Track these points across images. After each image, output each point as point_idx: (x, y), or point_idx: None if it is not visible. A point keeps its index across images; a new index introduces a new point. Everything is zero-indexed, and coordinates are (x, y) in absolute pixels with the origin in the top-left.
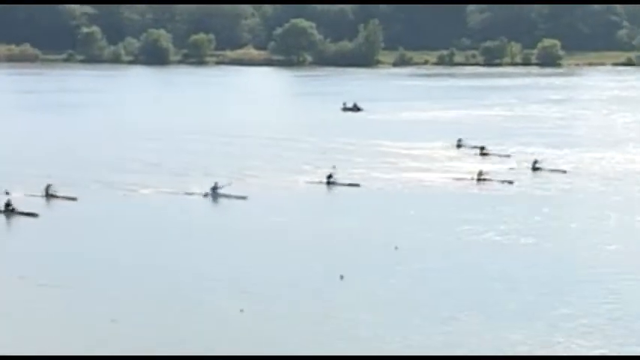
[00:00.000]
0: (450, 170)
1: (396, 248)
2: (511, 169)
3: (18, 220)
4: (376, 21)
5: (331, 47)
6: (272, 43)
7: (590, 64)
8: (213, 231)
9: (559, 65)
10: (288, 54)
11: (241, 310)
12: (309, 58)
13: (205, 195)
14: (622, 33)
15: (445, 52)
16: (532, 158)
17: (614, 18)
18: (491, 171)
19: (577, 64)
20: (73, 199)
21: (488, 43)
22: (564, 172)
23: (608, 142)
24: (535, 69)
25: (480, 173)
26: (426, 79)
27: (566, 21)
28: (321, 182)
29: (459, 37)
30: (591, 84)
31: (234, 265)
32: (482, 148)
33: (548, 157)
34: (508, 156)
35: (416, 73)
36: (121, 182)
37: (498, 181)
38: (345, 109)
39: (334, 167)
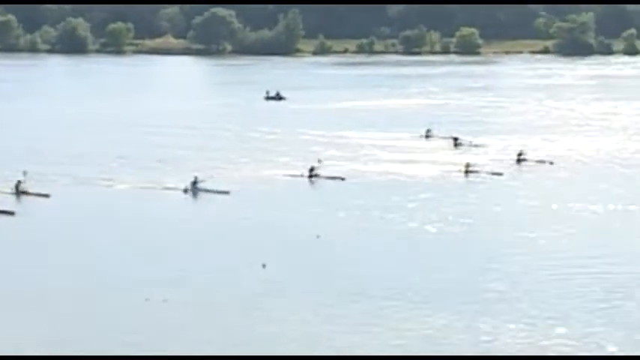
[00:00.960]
0: (433, 162)
1: (318, 236)
2: (492, 160)
3: None
4: (296, 10)
5: (251, 36)
6: (191, 32)
7: (508, 53)
8: (191, 228)
9: (478, 54)
10: (208, 43)
11: (164, 301)
12: (229, 47)
13: (185, 190)
14: (539, 22)
15: (365, 41)
16: (510, 149)
17: (531, 7)
18: (477, 163)
19: (495, 53)
20: (46, 195)
21: (407, 32)
22: (551, 163)
23: (547, 128)
24: (454, 57)
25: (468, 165)
26: (347, 67)
27: (484, 10)
28: (302, 176)
29: (378, 26)
30: (511, 72)
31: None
32: (455, 139)
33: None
34: (482, 146)
35: (336, 62)
36: (94, 177)
37: (487, 172)
38: (268, 98)
39: (319, 161)
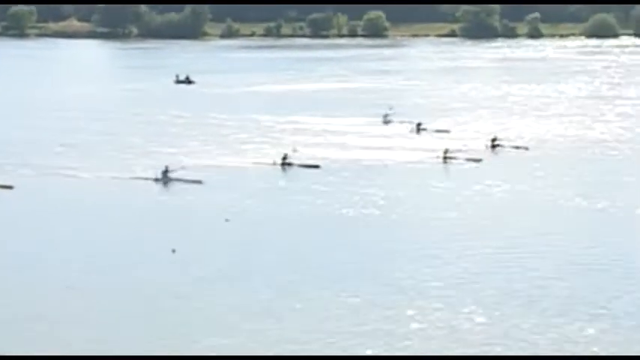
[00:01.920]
0: (403, 148)
1: (227, 220)
2: (466, 146)
3: None
4: None
5: (157, 19)
6: (95, 16)
7: (415, 36)
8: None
9: (385, 37)
10: (113, 26)
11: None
12: (135, 31)
13: (157, 180)
14: (445, 5)
15: (272, 24)
16: (479, 134)
17: None
18: (453, 149)
19: (402, 36)
20: (9, 187)
21: (314, 15)
22: (526, 148)
23: (472, 111)
24: (362, 40)
25: (446, 151)
26: (255, 50)
27: None
28: (275, 164)
29: (285, 9)
30: (420, 55)
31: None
32: (418, 124)
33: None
34: (447, 131)
35: (244, 45)
36: (56, 167)
37: (465, 159)
38: (178, 81)
39: (295, 150)
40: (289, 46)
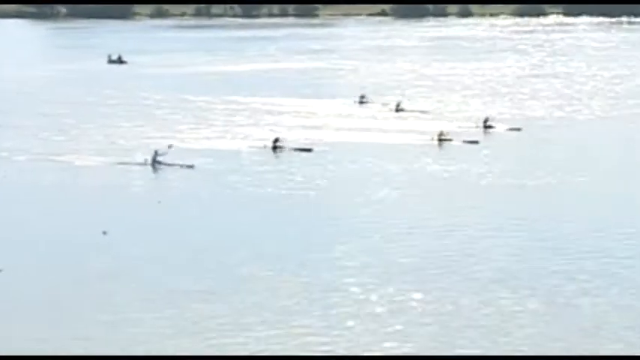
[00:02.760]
0: (398, 130)
1: (159, 202)
2: (460, 127)
3: None
4: None
5: None
6: None
7: (347, 15)
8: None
9: (316, 16)
10: (41, 6)
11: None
12: (64, 10)
13: (145, 163)
14: None
15: (203, 5)
16: (466, 114)
17: None
18: (448, 131)
19: (333, 15)
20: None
21: None
22: (519, 129)
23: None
24: (294, 20)
25: (441, 134)
26: (186, 30)
27: None
28: (266, 147)
29: None
30: (352, 34)
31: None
32: (398, 105)
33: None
34: (426, 112)
35: (175, 25)
36: (45, 152)
37: (462, 141)
38: (111, 61)
39: (170, 146)
40: (220, 25)
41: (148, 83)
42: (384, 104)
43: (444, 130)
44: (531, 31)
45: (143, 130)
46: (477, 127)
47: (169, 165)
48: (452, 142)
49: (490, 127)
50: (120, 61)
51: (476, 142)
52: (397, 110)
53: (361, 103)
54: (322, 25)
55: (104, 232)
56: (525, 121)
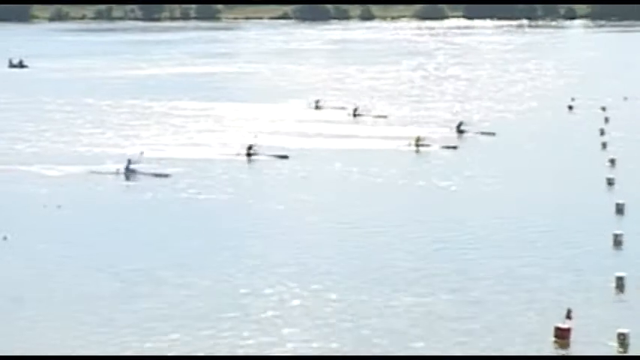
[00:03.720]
0: (370, 136)
1: (59, 206)
2: (433, 132)
3: None
4: None
5: None
6: None
7: (249, 18)
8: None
9: (218, 19)
10: None
11: None
12: None
13: (117, 172)
14: None
15: (103, 7)
16: (423, 119)
17: None
18: (424, 136)
19: (236, 18)
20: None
21: None
22: (493, 134)
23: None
24: (196, 23)
25: (418, 139)
26: (88, 34)
27: None
28: (239, 155)
29: None
30: (255, 37)
31: None
32: (355, 110)
33: None
34: (385, 117)
35: (75, 28)
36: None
37: (441, 146)
38: (12, 66)
39: (142, 153)
40: (122, 29)
41: (51, 87)
42: (340, 108)
43: (421, 135)
44: (435, 34)
45: (47, 135)
46: (450, 130)
47: (143, 174)
48: (429, 148)
49: (463, 131)
50: (21, 65)
51: (454, 148)
52: (355, 115)
53: (317, 107)
54: (225, 29)
55: (4, 238)
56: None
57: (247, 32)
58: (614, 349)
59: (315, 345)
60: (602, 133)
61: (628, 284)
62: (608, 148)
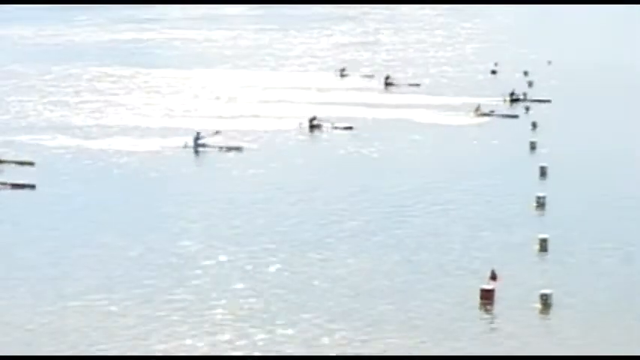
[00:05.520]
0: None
1: None
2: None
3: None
4: None
5: None
6: None
7: None
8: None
9: None
10: None
11: None
12: None
13: (185, 146)
14: None
15: None
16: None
17: None
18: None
19: None
20: (31, 163)
21: None
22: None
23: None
24: None
25: (478, 108)
26: None
27: None
28: (302, 125)
29: None
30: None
31: None
32: (387, 78)
33: None
34: (418, 85)
35: None
36: (80, 147)
37: (500, 115)
38: None
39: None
40: None
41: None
42: (365, 76)
43: (481, 104)
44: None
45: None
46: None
47: (214, 147)
48: (491, 117)
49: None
50: None
51: (516, 117)
52: (386, 84)
53: (342, 76)
54: None
55: None
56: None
57: None
58: (537, 309)
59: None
60: (524, 97)
61: (551, 246)
62: (531, 112)
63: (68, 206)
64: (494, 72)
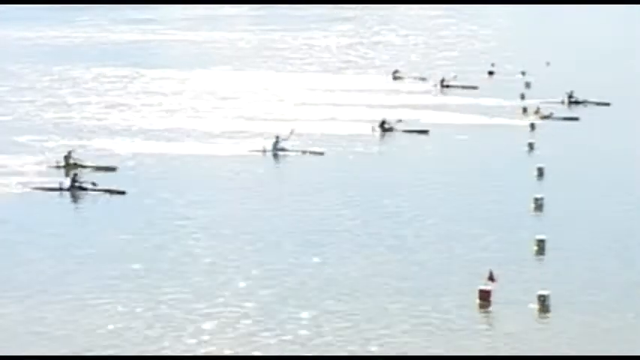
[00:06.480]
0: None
1: None
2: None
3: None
4: None
5: None
6: None
7: None
8: None
9: None
10: None
11: None
12: None
13: (264, 150)
14: None
15: None
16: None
17: None
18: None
19: None
20: (113, 169)
21: None
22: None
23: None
24: None
25: (537, 111)
26: None
27: None
28: (374, 129)
29: None
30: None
31: None
32: (442, 81)
33: None
34: (475, 87)
35: None
36: (156, 152)
37: (560, 118)
38: None
39: (292, 131)
40: None
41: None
42: (420, 79)
43: (529, 104)
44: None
45: None
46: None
47: (295, 152)
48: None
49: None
50: None
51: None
52: (442, 86)
53: (395, 78)
54: None
55: None
56: None
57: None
58: (534, 310)
59: None
60: (522, 97)
61: (548, 247)
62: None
63: (162, 212)
64: (491, 73)
